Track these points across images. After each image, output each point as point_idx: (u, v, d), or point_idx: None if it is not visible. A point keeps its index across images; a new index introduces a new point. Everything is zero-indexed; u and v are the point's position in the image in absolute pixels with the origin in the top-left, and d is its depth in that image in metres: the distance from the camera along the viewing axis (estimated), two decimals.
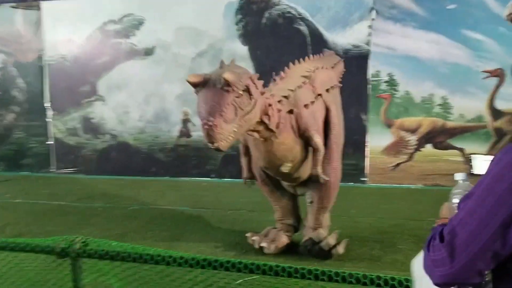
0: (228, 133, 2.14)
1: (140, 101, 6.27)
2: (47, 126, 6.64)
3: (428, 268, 0.93)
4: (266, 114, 2.43)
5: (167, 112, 6.17)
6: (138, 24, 6.12)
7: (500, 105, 5.08)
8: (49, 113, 6.59)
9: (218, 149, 2.16)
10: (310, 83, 2.96)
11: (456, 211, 1.06)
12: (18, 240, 1.62)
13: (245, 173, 3.13)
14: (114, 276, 1.80)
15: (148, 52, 6.13)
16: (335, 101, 3.21)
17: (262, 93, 2.39)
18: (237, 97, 2.16)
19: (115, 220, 4.09)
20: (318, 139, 2.78)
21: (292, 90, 2.74)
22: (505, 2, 4.96)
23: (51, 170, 6.67)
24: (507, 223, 0.83)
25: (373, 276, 1.31)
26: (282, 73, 2.97)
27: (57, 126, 6.61)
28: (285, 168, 2.77)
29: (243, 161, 3.12)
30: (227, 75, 2.09)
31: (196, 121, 6.03)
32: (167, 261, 1.42)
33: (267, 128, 2.49)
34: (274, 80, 2.97)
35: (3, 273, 1.97)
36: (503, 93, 5.03)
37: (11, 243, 1.61)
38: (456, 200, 1.14)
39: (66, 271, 1.66)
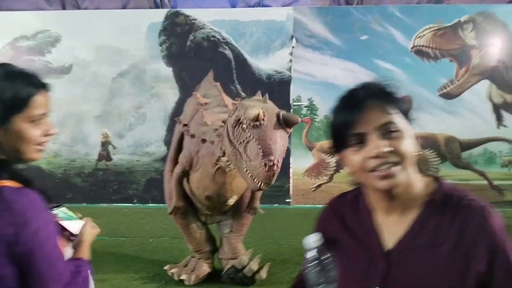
0: None
1: (55, 122, 5.73)
2: None
3: None
4: None
5: (85, 134, 5.83)
6: (54, 41, 5.77)
7: None
8: None
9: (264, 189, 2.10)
10: None
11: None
12: None
13: (176, 201, 2.88)
14: None
15: (65, 70, 5.79)
16: None
17: None
18: None
19: None
20: None
21: None
22: (410, 35, 5.48)
23: None
24: None
25: None
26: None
27: None
28: (232, 200, 2.74)
29: (176, 188, 2.88)
30: (299, 119, 2.11)
31: (118, 143, 5.77)
32: None
33: None
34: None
35: None
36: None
37: None
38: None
39: None
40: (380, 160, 0.90)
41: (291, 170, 5.58)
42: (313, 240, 1.00)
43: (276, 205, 5.53)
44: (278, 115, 2.06)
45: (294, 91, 5.54)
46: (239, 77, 5.61)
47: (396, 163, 0.90)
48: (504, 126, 5.51)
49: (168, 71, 5.72)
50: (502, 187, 5.54)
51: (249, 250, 3.14)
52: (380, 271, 0.94)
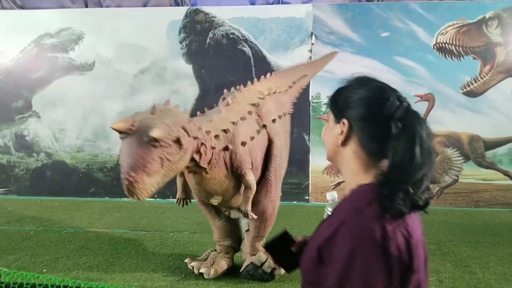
0: (150, 186, 2.00)
1: (78, 118, 6.00)
2: None
3: None
4: (198, 152, 2.32)
5: (107, 130, 5.95)
6: (77, 38, 5.91)
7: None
8: None
9: (138, 199, 2.04)
10: (257, 112, 2.87)
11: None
12: None
13: (179, 193, 3.00)
14: None
15: (87, 67, 5.92)
16: (282, 130, 3.13)
17: (195, 138, 2.25)
18: (165, 149, 2.01)
19: (47, 245, 3.82)
20: (250, 177, 2.68)
21: (233, 123, 2.62)
22: (432, 32, 5.38)
23: None
24: None
25: None
26: (229, 99, 2.79)
27: None
28: (215, 200, 2.74)
29: (178, 181, 3.01)
30: (156, 133, 1.93)
31: None
32: None
33: (197, 164, 2.38)
34: (224, 101, 2.84)
35: None
36: (432, 116, 5.39)
37: None
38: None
39: None
40: None
41: (310, 168, 5.57)
42: (329, 194, 1.25)
43: (295, 202, 5.54)
44: (147, 128, 1.97)
45: (314, 88, 5.52)
46: (258, 74, 5.55)
47: None
48: None
49: (188, 68, 5.78)
50: None
51: None
52: None
